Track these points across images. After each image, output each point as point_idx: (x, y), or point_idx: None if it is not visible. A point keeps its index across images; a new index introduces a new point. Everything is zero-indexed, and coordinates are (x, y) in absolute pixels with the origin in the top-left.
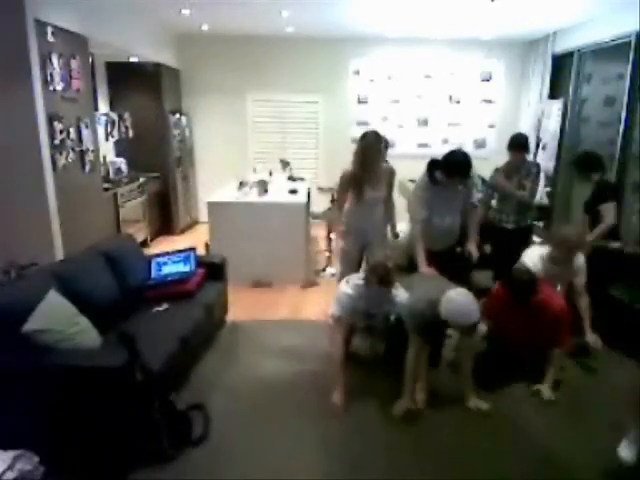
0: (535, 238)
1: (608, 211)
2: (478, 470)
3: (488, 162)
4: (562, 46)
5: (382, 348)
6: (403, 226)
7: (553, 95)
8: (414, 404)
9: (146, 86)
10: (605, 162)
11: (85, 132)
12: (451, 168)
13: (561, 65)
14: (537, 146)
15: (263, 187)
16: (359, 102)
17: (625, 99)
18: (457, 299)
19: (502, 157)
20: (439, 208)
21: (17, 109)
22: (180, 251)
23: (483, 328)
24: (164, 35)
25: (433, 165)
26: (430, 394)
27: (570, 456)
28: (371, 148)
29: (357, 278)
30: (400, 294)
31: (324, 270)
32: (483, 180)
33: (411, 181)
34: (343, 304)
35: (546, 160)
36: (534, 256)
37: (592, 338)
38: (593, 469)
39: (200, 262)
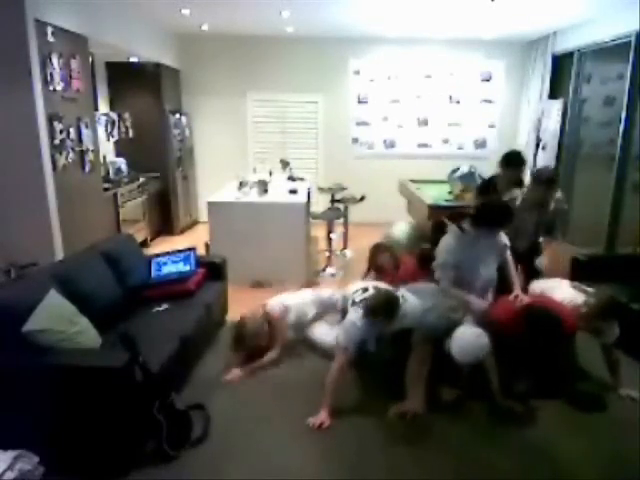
0: None
1: None
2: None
3: (488, 162)
4: (562, 46)
5: (389, 355)
6: (402, 226)
7: (553, 95)
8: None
9: (146, 86)
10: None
11: (85, 132)
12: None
13: (561, 65)
14: (537, 146)
15: (263, 187)
16: (359, 102)
17: (625, 99)
18: (465, 338)
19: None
20: (472, 261)
21: (17, 109)
22: (180, 251)
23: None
24: (164, 35)
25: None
26: (431, 399)
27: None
28: None
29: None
30: (410, 301)
31: (324, 270)
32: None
33: (412, 181)
34: (351, 335)
35: (546, 160)
36: None
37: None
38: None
39: (200, 262)
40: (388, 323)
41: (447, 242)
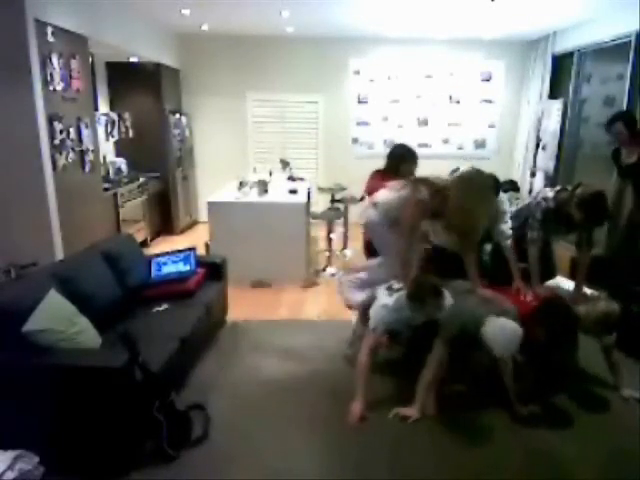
0: None
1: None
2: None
3: (488, 162)
4: (562, 46)
5: (402, 351)
6: None
7: (553, 95)
8: (421, 412)
9: (146, 86)
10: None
11: (85, 132)
12: None
13: (561, 65)
14: (537, 146)
15: (263, 187)
16: (359, 102)
17: (625, 99)
18: (506, 330)
19: (502, 157)
20: None
21: (17, 109)
22: (180, 251)
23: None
24: (164, 35)
25: None
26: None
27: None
28: None
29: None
30: (446, 297)
31: (324, 270)
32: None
33: None
34: (380, 318)
35: (546, 160)
36: None
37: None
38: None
39: (200, 262)
40: (427, 309)
41: None
